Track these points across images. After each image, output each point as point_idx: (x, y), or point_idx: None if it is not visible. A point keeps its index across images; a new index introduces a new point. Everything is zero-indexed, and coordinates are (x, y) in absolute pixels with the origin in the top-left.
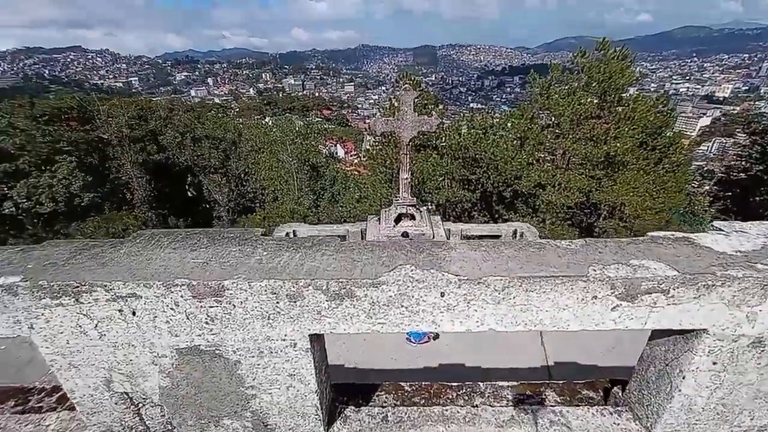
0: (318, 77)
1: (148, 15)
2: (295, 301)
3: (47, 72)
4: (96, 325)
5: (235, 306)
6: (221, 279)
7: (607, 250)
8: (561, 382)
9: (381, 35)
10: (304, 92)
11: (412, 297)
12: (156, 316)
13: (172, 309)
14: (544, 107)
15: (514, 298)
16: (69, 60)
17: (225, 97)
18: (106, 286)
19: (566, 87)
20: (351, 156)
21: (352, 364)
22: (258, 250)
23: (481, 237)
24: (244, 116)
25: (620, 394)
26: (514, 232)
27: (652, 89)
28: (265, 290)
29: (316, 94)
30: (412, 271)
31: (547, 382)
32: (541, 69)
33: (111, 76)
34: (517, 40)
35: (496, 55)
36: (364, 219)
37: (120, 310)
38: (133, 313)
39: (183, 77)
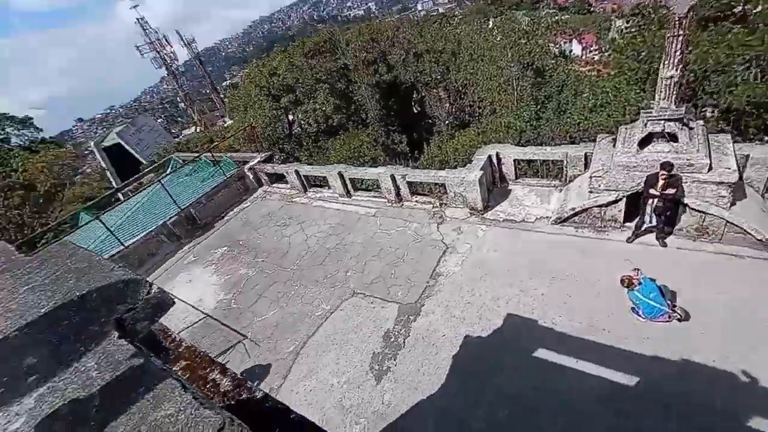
0: None
1: None
2: None
3: (315, 15)
4: None
5: None
6: None
7: None
8: None
9: None
10: None
11: None
12: None
13: None
14: None
15: None
16: (326, 0)
17: (448, 5)
18: None
19: None
20: (590, 53)
21: (547, 322)
22: None
23: None
24: (467, 22)
25: None
26: None
27: None
28: None
29: None
30: None
31: None
32: None
33: (354, 6)
34: None
35: None
36: (594, 138)
37: None
38: None
39: None
